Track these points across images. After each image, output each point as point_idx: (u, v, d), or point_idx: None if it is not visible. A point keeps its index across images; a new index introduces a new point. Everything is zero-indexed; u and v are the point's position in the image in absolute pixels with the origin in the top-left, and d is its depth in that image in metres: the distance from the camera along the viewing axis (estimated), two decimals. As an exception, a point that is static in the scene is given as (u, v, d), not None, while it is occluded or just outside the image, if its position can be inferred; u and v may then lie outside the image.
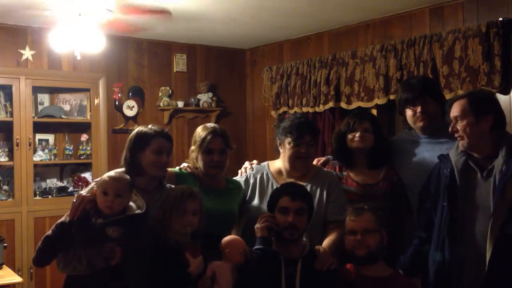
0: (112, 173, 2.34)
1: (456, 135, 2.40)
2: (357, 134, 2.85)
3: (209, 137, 2.62)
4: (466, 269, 2.34)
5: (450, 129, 2.41)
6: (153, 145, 2.41)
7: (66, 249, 2.19)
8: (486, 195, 2.33)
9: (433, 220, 2.50)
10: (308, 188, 2.70)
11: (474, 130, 2.35)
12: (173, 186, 2.50)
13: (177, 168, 2.74)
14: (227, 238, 2.33)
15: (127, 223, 2.19)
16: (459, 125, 2.37)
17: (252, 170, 2.88)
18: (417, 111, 2.85)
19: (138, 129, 2.50)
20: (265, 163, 2.92)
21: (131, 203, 2.27)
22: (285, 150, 2.76)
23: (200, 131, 2.68)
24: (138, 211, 2.24)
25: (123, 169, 2.46)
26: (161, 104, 5.24)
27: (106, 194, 2.21)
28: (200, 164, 2.66)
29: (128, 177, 2.32)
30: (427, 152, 2.83)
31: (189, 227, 2.22)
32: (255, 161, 2.98)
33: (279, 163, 2.85)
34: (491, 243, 2.23)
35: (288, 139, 2.72)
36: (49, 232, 2.24)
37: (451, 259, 2.36)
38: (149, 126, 2.49)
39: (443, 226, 2.39)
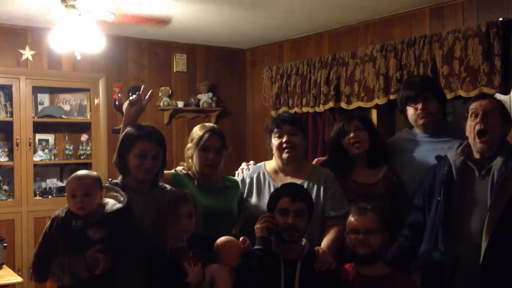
0: (77, 173, 2.27)
1: (478, 137, 2.37)
2: (351, 135, 2.87)
3: (206, 135, 2.62)
4: (461, 263, 2.35)
5: (478, 119, 2.38)
6: (136, 149, 2.35)
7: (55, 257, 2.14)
8: (483, 192, 2.34)
9: (421, 218, 2.53)
10: (305, 185, 2.71)
11: (498, 131, 2.39)
12: (166, 185, 2.47)
13: (173, 170, 2.74)
14: (221, 240, 2.27)
15: (109, 222, 2.13)
16: (489, 119, 2.37)
17: (249, 170, 2.89)
18: (418, 108, 2.85)
19: (128, 129, 2.45)
20: (262, 163, 2.93)
21: (110, 200, 2.21)
22: (273, 147, 2.80)
23: (197, 130, 2.68)
24: (118, 206, 2.17)
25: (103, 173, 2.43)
26: (161, 104, 5.24)
27: (75, 196, 2.15)
28: (195, 162, 2.65)
29: (95, 173, 2.27)
30: (428, 151, 2.83)
31: (185, 232, 2.18)
32: (251, 162, 3.00)
33: (274, 163, 2.87)
34: (488, 234, 2.25)
35: (272, 134, 2.78)
36: (37, 245, 2.21)
37: (445, 253, 2.37)
38: (140, 126, 2.44)
39: (437, 220, 2.41)
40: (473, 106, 2.43)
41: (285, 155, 2.75)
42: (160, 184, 2.47)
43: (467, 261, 2.33)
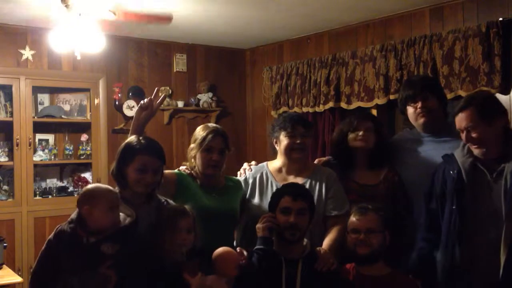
0: (105, 186, 2.22)
1: (472, 146, 2.34)
2: (360, 133, 2.86)
3: (210, 136, 2.62)
4: (478, 273, 2.31)
5: (464, 140, 2.35)
6: (135, 163, 2.26)
7: (56, 278, 2.08)
8: (497, 197, 2.29)
9: (439, 222, 2.46)
10: (308, 184, 2.72)
11: (489, 135, 2.31)
12: (161, 197, 2.41)
13: (177, 170, 2.74)
14: (218, 251, 2.25)
15: (122, 236, 2.10)
16: (474, 135, 2.31)
17: (251, 171, 2.89)
18: (418, 107, 2.85)
19: (128, 140, 2.37)
20: (264, 163, 2.94)
21: (120, 214, 2.18)
22: (281, 145, 2.79)
23: (200, 130, 2.67)
24: (129, 219, 2.15)
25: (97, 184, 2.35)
26: (161, 104, 5.23)
27: (113, 210, 2.11)
28: (198, 163, 2.65)
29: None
30: (430, 151, 2.82)
31: (183, 246, 2.16)
32: (253, 162, 3.00)
33: (277, 162, 2.87)
34: (506, 248, 2.20)
35: (283, 133, 2.76)
36: (37, 262, 2.15)
37: (461, 262, 2.32)
38: (140, 138, 2.35)
39: (453, 230, 2.35)
40: (456, 122, 2.37)
41: (295, 156, 2.76)
42: (156, 196, 2.41)
43: (483, 271, 2.28)
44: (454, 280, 2.36)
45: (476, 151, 2.36)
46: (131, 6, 3.82)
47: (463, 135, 2.36)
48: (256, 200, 2.79)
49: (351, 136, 2.89)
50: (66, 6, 3.47)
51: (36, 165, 4.58)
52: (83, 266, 2.06)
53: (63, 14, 3.57)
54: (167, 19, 3.85)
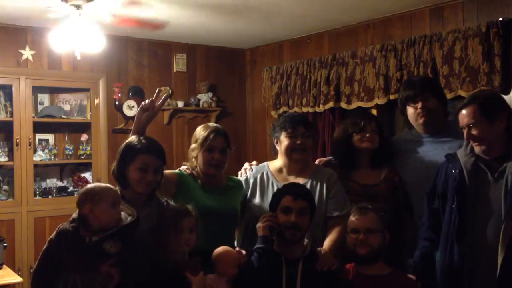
0: (105, 184, 2.24)
1: (473, 143, 2.35)
2: (367, 135, 2.86)
3: (211, 135, 2.62)
4: (476, 272, 2.31)
5: (465, 137, 2.36)
6: (136, 162, 2.30)
7: (58, 277, 2.09)
8: (497, 197, 2.29)
9: (440, 222, 2.46)
10: (308, 184, 2.73)
11: (490, 133, 2.32)
12: (161, 198, 2.42)
13: (178, 170, 2.74)
14: (217, 251, 2.27)
15: (123, 234, 2.11)
16: (475, 132, 2.32)
17: (252, 170, 2.90)
18: (418, 107, 2.85)
19: (128, 140, 2.40)
20: (265, 163, 2.94)
21: (122, 212, 2.19)
22: (282, 145, 2.79)
23: (201, 130, 2.68)
24: (130, 218, 2.16)
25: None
26: (161, 104, 5.23)
27: (114, 206, 2.12)
28: (199, 162, 2.65)
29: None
30: (430, 151, 2.83)
31: (186, 246, 2.19)
32: (254, 162, 3.01)
33: (278, 162, 2.87)
34: (503, 247, 2.21)
35: (284, 133, 2.77)
36: (38, 261, 2.16)
37: (461, 262, 2.33)
38: (141, 138, 2.38)
39: (452, 229, 2.35)
40: (459, 119, 2.38)
41: (295, 156, 2.76)
42: (156, 197, 2.43)
43: (483, 270, 2.28)
44: (453, 280, 2.36)
45: (477, 149, 2.36)
46: (130, 10, 3.82)
47: (465, 132, 2.36)
48: (257, 200, 2.79)
49: (356, 137, 2.89)
50: (71, 5, 3.46)
51: (36, 165, 4.58)
52: (85, 265, 2.07)
53: (63, 14, 3.57)
54: (160, 25, 3.86)
